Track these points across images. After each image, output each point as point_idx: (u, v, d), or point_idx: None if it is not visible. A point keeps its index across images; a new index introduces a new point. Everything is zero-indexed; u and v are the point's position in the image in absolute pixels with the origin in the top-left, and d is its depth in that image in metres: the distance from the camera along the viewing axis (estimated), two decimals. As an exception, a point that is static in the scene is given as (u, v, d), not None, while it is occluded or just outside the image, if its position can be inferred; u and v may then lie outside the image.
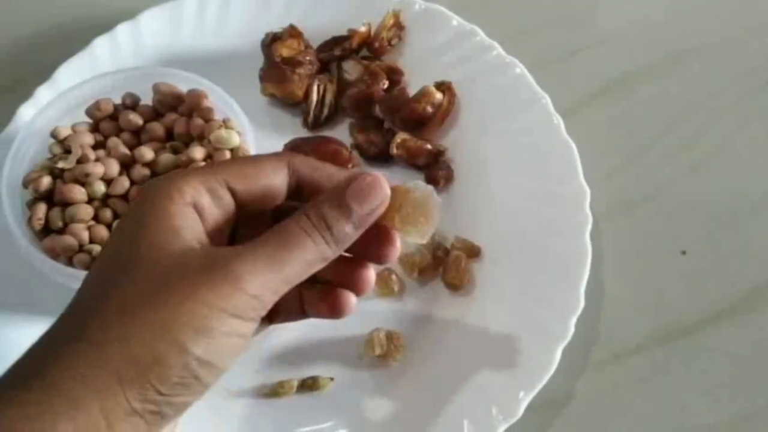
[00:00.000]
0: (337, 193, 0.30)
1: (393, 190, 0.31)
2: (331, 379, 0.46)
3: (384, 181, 0.31)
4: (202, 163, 0.45)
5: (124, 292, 0.27)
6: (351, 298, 0.33)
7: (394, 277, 0.49)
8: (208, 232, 0.30)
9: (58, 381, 0.26)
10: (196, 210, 0.30)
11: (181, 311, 0.27)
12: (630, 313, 0.49)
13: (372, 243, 0.32)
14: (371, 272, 0.34)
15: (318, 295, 0.33)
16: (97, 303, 0.28)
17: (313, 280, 0.31)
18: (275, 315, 0.33)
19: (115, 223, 0.46)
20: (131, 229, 0.29)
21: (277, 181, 0.31)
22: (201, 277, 0.27)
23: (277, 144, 0.54)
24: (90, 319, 0.27)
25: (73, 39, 0.57)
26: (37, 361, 0.27)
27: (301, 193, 0.32)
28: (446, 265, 0.49)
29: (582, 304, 0.46)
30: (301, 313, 0.34)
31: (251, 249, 0.29)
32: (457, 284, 0.49)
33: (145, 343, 0.26)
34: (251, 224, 0.33)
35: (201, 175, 0.30)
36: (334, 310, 0.33)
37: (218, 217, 0.31)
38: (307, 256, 0.29)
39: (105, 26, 0.58)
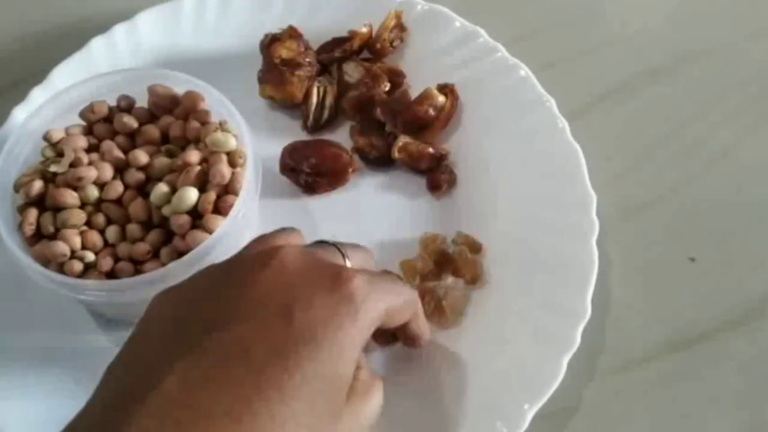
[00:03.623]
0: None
1: None
2: None
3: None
4: (198, 167, 0.44)
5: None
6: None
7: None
8: None
9: None
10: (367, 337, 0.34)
11: None
12: (638, 321, 0.48)
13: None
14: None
15: None
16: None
17: None
18: None
19: (108, 229, 0.44)
20: (331, 326, 0.31)
21: (404, 321, 0.39)
22: None
23: (276, 147, 0.52)
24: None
25: (70, 40, 0.57)
26: None
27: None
28: (456, 263, 0.48)
29: (589, 312, 0.45)
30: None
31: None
32: (474, 277, 0.47)
33: None
34: None
35: (382, 302, 0.34)
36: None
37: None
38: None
39: (102, 27, 0.57)
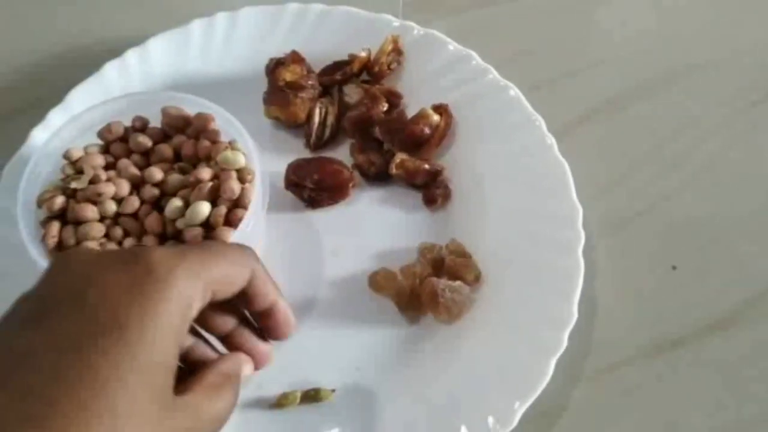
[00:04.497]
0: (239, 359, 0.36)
1: None
2: (333, 390, 0.47)
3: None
4: (210, 184, 0.47)
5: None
6: (249, 368, 0.36)
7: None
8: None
9: None
10: (187, 312, 0.30)
11: None
12: (622, 325, 0.51)
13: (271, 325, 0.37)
14: (270, 347, 0.37)
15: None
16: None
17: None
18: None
19: (126, 241, 0.47)
20: (125, 316, 0.27)
21: (238, 285, 0.33)
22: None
23: (280, 164, 0.55)
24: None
25: (84, 64, 0.60)
26: None
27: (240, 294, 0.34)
28: (452, 269, 0.51)
29: (575, 317, 0.48)
30: None
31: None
32: (477, 275, 0.51)
33: None
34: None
35: (193, 270, 0.30)
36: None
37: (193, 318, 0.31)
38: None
39: (115, 51, 0.60)
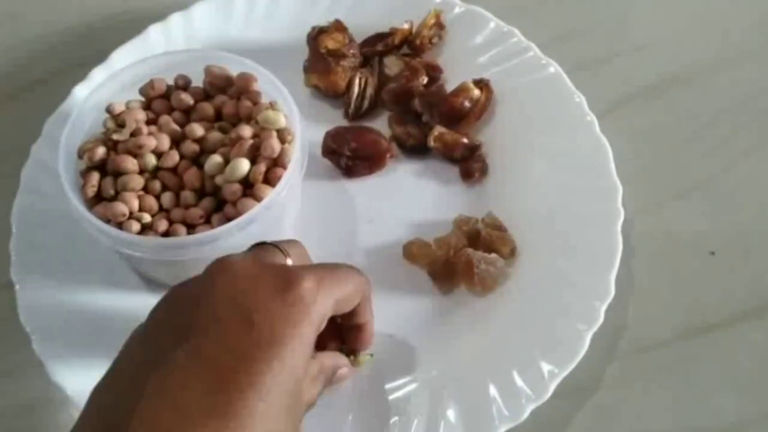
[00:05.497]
0: (336, 365, 0.42)
1: None
2: (371, 355, 0.46)
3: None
4: (250, 141, 0.47)
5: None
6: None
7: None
8: None
9: None
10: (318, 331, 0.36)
11: None
12: (659, 307, 0.50)
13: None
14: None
15: None
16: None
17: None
18: None
19: (164, 195, 0.47)
20: (288, 328, 0.33)
21: (352, 306, 0.40)
22: None
23: (318, 134, 0.55)
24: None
25: (129, 27, 0.60)
26: None
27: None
28: (488, 242, 0.51)
29: (612, 292, 0.47)
30: None
31: None
32: (512, 249, 0.51)
33: None
34: None
35: (330, 294, 0.36)
36: None
37: None
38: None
39: (160, 15, 0.60)
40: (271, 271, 0.36)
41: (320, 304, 0.35)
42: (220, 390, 0.31)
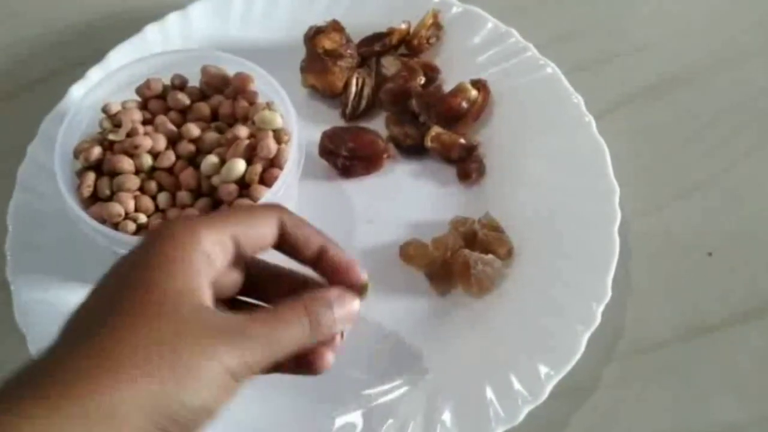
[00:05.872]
0: (329, 297, 0.34)
1: None
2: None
3: (358, 306, 0.36)
4: (246, 141, 0.47)
5: (140, 331, 0.29)
6: (329, 357, 0.36)
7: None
8: (212, 282, 0.33)
9: (74, 403, 0.27)
10: (208, 259, 0.32)
11: (194, 369, 0.29)
12: (656, 308, 0.50)
13: None
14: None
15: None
16: (114, 335, 0.29)
17: None
18: None
19: (160, 195, 0.47)
20: (156, 270, 0.31)
21: (268, 234, 0.35)
22: (216, 339, 0.30)
23: (315, 134, 0.55)
24: (120, 348, 0.29)
25: (126, 27, 0.60)
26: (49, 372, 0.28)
27: (281, 246, 0.36)
28: (484, 243, 0.50)
29: (609, 293, 0.47)
30: (275, 370, 0.35)
31: (256, 324, 0.32)
32: (509, 250, 0.50)
33: (158, 397, 0.28)
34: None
35: (214, 227, 0.33)
36: (311, 369, 0.36)
37: (223, 266, 0.33)
38: (296, 340, 0.33)
39: (157, 16, 0.60)
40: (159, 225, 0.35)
41: (204, 227, 0.32)
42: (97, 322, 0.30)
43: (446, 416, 0.44)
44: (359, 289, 0.36)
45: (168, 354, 0.29)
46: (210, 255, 0.32)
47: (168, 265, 0.31)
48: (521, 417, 0.44)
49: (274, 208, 0.36)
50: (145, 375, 0.28)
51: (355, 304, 0.35)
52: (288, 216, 0.36)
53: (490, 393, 0.45)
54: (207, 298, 0.32)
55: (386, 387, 0.46)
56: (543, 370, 0.45)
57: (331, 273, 0.36)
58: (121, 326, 0.29)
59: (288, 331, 0.32)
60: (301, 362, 0.35)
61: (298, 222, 0.36)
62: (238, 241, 0.34)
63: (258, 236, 0.35)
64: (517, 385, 0.44)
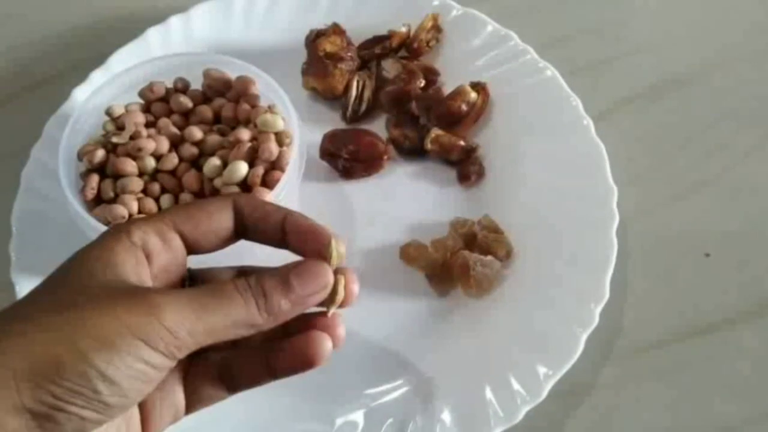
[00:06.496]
0: (284, 269, 0.32)
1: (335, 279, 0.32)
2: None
3: (329, 271, 0.32)
4: (248, 144, 0.48)
5: (42, 299, 0.30)
6: (326, 344, 0.33)
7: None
8: (156, 274, 0.32)
9: None
10: (144, 252, 0.31)
11: (88, 320, 0.28)
12: (653, 309, 0.51)
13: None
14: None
15: (287, 349, 0.33)
16: (14, 307, 0.30)
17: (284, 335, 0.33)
18: (238, 381, 0.34)
19: (163, 197, 0.48)
20: (76, 260, 0.31)
21: (223, 220, 0.33)
22: (118, 298, 0.29)
23: (316, 136, 0.56)
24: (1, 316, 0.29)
25: (128, 30, 0.60)
26: None
27: (246, 232, 0.34)
28: (483, 245, 0.51)
29: (607, 294, 0.47)
30: (270, 376, 0.34)
31: (179, 291, 0.30)
32: (508, 251, 0.51)
33: (46, 342, 0.27)
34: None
35: (151, 219, 0.32)
36: (306, 362, 0.33)
37: (167, 260, 0.32)
38: (233, 312, 0.30)
39: (158, 19, 0.61)
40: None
41: (134, 231, 0.31)
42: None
43: (446, 416, 0.45)
44: (328, 256, 0.32)
45: (66, 311, 0.28)
46: (140, 245, 0.31)
47: (90, 251, 0.31)
48: (520, 417, 0.44)
49: (228, 196, 0.35)
50: (39, 328, 0.28)
51: (326, 274, 0.32)
52: (245, 200, 0.34)
53: (489, 393, 0.45)
54: (130, 277, 0.30)
55: (386, 387, 0.47)
56: (542, 370, 0.45)
57: (297, 243, 0.33)
58: (31, 296, 0.30)
59: (221, 303, 0.30)
60: (296, 353, 0.33)
61: (255, 204, 0.34)
62: (182, 231, 0.32)
63: (211, 226, 0.33)
64: (516, 385, 0.45)
